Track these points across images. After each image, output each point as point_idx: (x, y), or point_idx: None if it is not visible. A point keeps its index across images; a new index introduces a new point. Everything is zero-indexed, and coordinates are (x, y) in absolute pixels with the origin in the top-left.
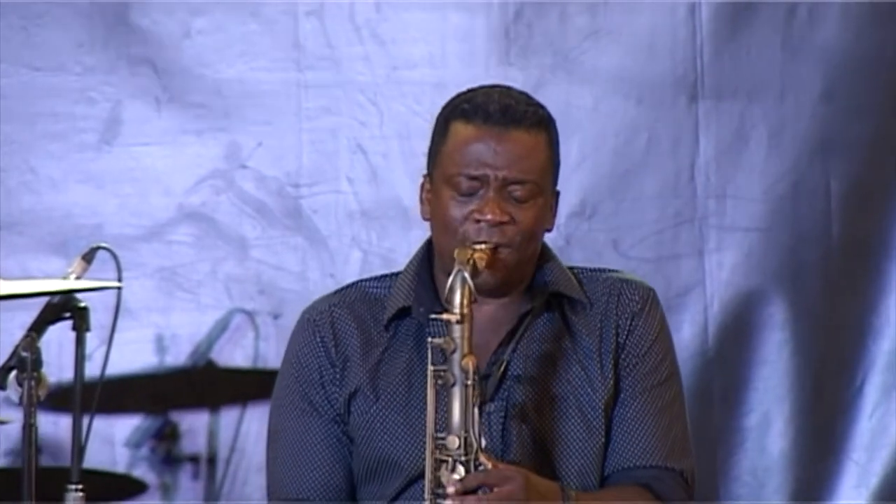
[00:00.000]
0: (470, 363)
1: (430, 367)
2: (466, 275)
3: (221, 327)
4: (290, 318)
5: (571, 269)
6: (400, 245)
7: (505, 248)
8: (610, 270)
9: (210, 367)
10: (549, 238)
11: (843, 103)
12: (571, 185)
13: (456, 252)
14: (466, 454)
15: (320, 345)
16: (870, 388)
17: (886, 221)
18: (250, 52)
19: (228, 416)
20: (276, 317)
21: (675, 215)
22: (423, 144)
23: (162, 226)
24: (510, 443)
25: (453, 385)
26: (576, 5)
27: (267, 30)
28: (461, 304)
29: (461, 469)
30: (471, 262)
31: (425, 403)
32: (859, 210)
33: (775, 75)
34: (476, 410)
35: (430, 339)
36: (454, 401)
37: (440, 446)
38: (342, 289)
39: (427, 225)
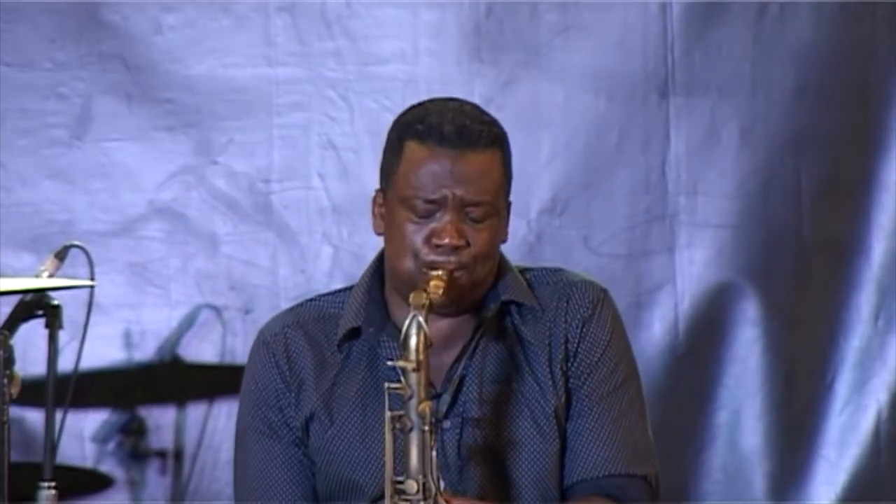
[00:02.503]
0: (427, 409)
1: (388, 413)
2: (422, 320)
3: (189, 323)
4: (261, 314)
5: (524, 271)
6: (370, 241)
7: (461, 270)
8: (560, 271)
9: (177, 362)
10: (521, 235)
11: (813, 100)
12: (542, 182)
13: (411, 297)
14: (425, 499)
15: (275, 368)
16: (840, 384)
17: (857, 218)
18: (221, 49)
19: (195, 411)
20: (246, 312)
21: (646, 212)
22: None
23: (132, 221)
24: (465, 458)
25: (411, 430)
26: (547, 3)
27: (238, 26)
28: (417, 350)
29: None
30: (426, 304)
31: (381, 424)
32: (830, 207)
33: (746, 72)
34: (434, 454)
35: (387, 385)
36: (412, 445)
37: (399, 490)
38: (297, 306)
39: None
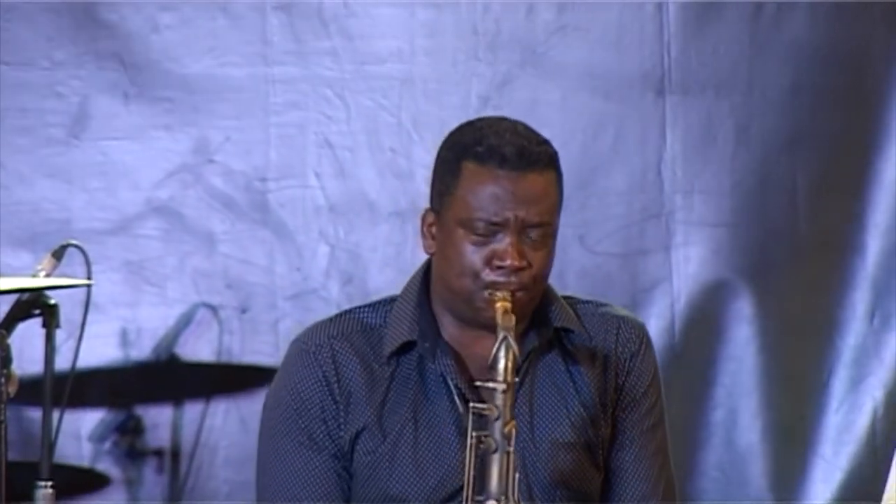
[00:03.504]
0: (512, 431)
1: (472, 434)
2: (512, 341)
3: (185, 321)
4: (257, 313)
5: (567, 298)
6: (366, 239)
7: (522, 291)
8: (603, 304)
9: (174, 361)
10: None
11: (809, 99)
12: None
13: (499, 318)
14: None
15: (322, 380)
16: (836, 383)
17: (853, 216)
18: (218, 48)
19: (192, 410)
20: (243, 311)
21: (643, 210)
22: (391, 139)
23: (130, 220)
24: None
25: (495, 451)
26: (543, 2)
27: (235, 25)
28: (506, 370)
29: None
30: (513, 326)
31: (432, 439)
32: (826, 205)
33: (742, 71)
34: (517, 476)
35: (472, 405)
36: (493, 466)
37: None
38: (338, 317)
39: (397, 222)
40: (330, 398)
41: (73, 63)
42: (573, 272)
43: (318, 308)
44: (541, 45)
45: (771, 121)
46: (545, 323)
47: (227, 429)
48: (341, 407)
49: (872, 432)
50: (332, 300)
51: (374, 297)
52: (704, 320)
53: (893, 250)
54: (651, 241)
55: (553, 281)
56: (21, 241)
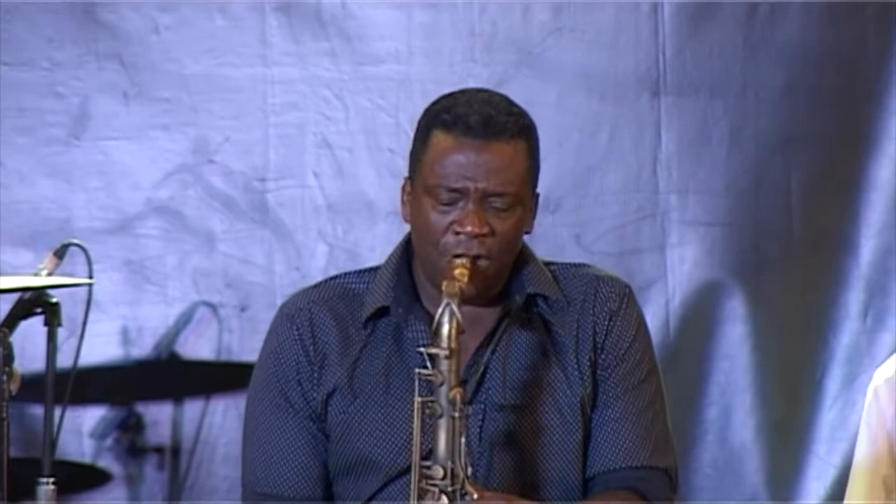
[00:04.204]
0: (458, 396)
1: (418, 399)
2: (455, 308)
3: (185, 320)
4: (257, 311)
5: (548, 264)
6: (365, 238)
7: (484, 259)
8: (585, 266)
9: (174, 359)
10: None
11: (803, 100)
12: None
13: (444, 285)
14: (452, 484)
15: (297, 341)
16: (829, 381)
17: (846, 216)
18: (217, 48)
19: (192, 407)
20: (242, 309)
21: (638, 210)
22: (389, 140)
23: (130, 219)
24: (487, 445)
25: (440, 416)
26: (539, 3)
27: (234, 26)
28: (449, 337)
29: (445, 500)
30: (458, 293)
31: (404, 402)
32: (819, 205)
33: (736, 72)
34: (462, 441)
35: (417, 371)
36: (440, 431)
37: (425, 476)
38: (323, 282)
39: (395, 221)
40: (305, 359)
41: (74, 63)
42: None
43: None
44: (537, 47)
45: (765, 121)
46: (519, 289)
47: (227, 426)
48: (315, 368)
49: None
50: None
51: None
52: (699, 319)
53: (886, 250)
54: (646, 241)
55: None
56: (21, 240)
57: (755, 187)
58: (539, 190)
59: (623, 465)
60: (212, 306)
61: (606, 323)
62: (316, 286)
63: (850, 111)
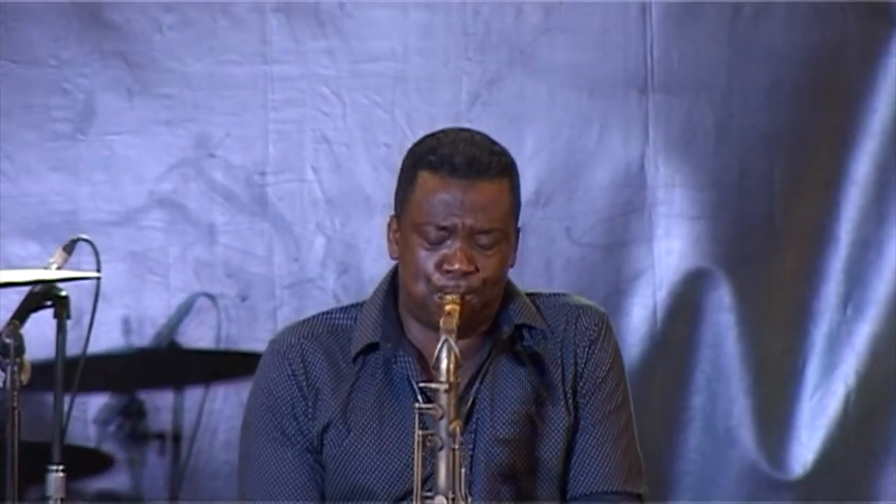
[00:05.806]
0: (457, 428)
1: (419, 432)
2: (453, 343)
3: (186, 309)
4: (256, 301)
5: (531, 295)
6: (361, 231)
7: (470, 294)
8: (564, 295)
9: (175, 348)
10: None
11: (786, 98)
12: (527, 175)
13: (441, 321)
14: None
15: (291, 377)
16: (810, 369)
17: (826, 210)
18: (219, 47)
19: (193, 395)
20: (242, 299)
21: (626, 204)
22: (385, 135)
23: (134, 212)
24: (478, 475)
25: (441, 448)
26: (531, 4)
27: (235, 25)
28: (448, 371)
29: None
30: (454, 329)
31: (397, 433)
32: (802, 199)
33: (722, 71)
34: (462, 472)
35: (417, 405)
36: (441, 463)
37: None
38: (309, 319)
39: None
40: (299, 394)
41: (80, 61)
42: (560, 263)
43: (315, 297)
44: (528, 46)
45: (749, 119)
46: (507, 321)
47: (227, 413)
48: (310, 402)
49: (845, 417)
50: (329, 289)
51: (369, 287)
52: (685, 309)
53: (865, 243)
54: (634, 234)
55: (540, 271)
56: (29, 232)
57: (740, 182)
58: (530, 184)
59: (600, 490)
60: (212, 296)
61: (586, 350)
62: (304, 322)
63: (831, 109)
